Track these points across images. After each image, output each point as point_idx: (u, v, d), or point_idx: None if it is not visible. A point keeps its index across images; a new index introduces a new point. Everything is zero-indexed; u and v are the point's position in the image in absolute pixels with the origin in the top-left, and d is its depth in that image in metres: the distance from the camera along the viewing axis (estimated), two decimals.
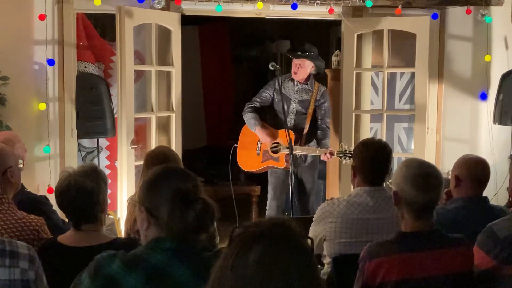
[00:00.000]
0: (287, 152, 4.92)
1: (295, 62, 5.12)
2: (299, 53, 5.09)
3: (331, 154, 4.82)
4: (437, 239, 2.50)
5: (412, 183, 2.48)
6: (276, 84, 5.12)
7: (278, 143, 5.09)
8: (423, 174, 2.49)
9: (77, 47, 5.03)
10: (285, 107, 4.96)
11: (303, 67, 5.10)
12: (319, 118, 5.18)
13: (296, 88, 5.16)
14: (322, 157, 4.92)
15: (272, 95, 5.24)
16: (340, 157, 4.75)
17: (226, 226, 5.29)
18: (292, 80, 5.17)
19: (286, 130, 4.62)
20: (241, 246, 1.34)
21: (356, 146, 3.21)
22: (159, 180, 2.04)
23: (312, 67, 5.13)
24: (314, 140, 5.17)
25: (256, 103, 5.26)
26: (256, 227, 1.38)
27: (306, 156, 5.15)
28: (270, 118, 5.30)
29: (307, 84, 5.16)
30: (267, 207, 5.35)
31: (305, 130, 5.13)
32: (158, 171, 2.09)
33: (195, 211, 1.96)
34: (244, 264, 1.32)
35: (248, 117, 5.19)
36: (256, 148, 5.19)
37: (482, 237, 2.65)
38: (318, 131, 5.16)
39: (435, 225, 2.54)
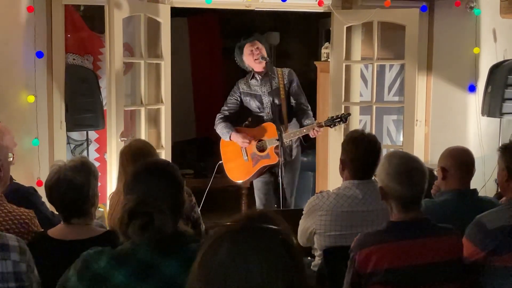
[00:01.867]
0: (275, 145, 4.80)
1: (250, 48, 4.95)
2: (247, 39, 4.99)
3: (320, 126, 4.68)
4: (426, 228, 2.54)
5: (395, 180, 2.51)
6: (241, 86, 5.06)
7: (262, 140, 4.92)
8: (405, 170, 2.52)
9: (66, 39, 5.00)
10: (258, 102, 4.92)
11: (261, 49, 4.93)
12: (293, 100, 4.99)
13: (260, 82, 4.95)
14: (311, 134, 4.73)
15: (239, 99, 5.08)
16: (330, 126, 4.70)
17: (216, 219, 5.28)
18: (254, 76, 4.97)
19: (281, 127, 4.52)
20: (206, 248, 1.32)
21: (345, 141, 3.18)
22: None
23: (264, 49, 4.96)
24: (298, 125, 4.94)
25: (225, 112, 5.09)
26: (225, 226, 1.35)
27: (291, 150, 4.98)
28: (251, 120, 5.11)
29: (267, 72, 4.89)
30: None
31: (285, 119, 4.93)
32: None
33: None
34: (209, 264, 1.30)
35: (220, 128, 5.01)
36: (242, 155, 4.98)
37: (471, 229, 2.68)
38: (298, 113, 4.97)
39: (424, 214, 2.57)
